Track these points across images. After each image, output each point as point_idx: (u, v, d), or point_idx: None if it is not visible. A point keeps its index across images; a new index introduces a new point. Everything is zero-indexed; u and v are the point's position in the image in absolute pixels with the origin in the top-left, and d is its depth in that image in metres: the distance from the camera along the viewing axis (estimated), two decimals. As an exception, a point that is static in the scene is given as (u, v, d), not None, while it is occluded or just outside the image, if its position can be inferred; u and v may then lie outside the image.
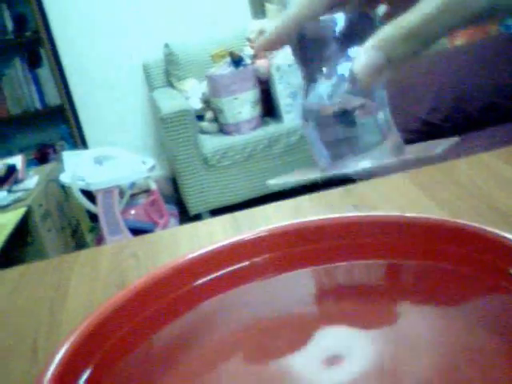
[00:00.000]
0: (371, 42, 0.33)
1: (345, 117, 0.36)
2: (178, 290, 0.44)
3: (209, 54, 3.40)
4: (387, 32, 0.33)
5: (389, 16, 0.40)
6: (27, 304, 0.65)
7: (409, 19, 0.32)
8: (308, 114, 0.37)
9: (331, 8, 0.37)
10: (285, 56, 3.05)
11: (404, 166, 0.39)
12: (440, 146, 0.37)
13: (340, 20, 0.35)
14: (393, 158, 0.37)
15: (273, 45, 0.38)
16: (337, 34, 0.35)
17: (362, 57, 0.33)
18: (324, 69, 0.36)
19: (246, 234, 0.48)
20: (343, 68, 0.35)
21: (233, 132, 3.14)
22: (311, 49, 0.37)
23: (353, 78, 0.33)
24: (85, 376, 0.37)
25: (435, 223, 0.44)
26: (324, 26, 0.36)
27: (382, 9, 0.40)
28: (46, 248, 2.34)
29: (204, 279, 0.45)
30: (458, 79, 2.38)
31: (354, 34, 0.35)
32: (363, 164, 0.37)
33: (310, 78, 0.37)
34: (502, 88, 2.33)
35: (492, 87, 2.34)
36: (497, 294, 0.41)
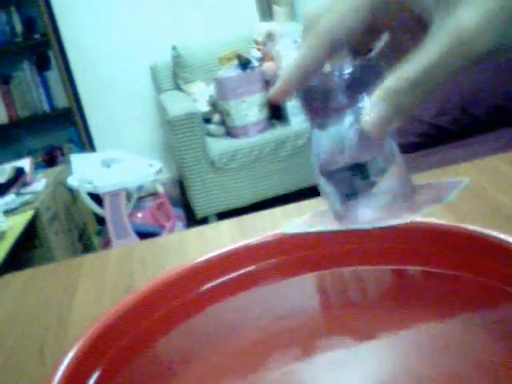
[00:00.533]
0: (376, 95, 0.33)
1: (358, 170, 0.36)
2: (185, 295, 0.45)
3: (216, 57, 3.40)
4: (391, 84, 0.32)
5: (389, 46, 0.40)
6: (35, 307, 0.66)
7: (412, 69, 0.32)
8: (321, 167, 0.38)
9: (332, 54, 0.37)
10: (293, 58, 3.05)
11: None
12: (452, 189, 0.37)
13: (345, 72, 0.36)
14: (406, 205, 0.37)
15: (282, 95, 0.37)
16: (342, 85, 0.35)
17: (369, 112, 0.33)
18: (332, 120, 0.36)
19: (252, 239, 0.48)
20: (351, 120, 0.35)
21: (240, 135, 3.15)
22: (318, 99, 0.37)
23: (363, 133, 0.33)
24: (93, 379, 0.37)
25: (441, 228, 0.45)
26: (329, 76, 0.36)
27: (380, 43, 0.40)
28: (53, 251, 2.34)
29: (211, 284, 0.46)
30: (465, 83, 2.37)
31: (360, 83, 0.35)
32: (380, 219, 0.36)
33: (318, 127, 0.37)
34: (510, 91, 2.32)
35: (500, 90, 2.33)
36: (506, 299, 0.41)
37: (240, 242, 0.48)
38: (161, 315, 0.43)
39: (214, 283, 0.46)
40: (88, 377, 0.37)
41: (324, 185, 0.38)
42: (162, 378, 0.39)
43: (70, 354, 0.37)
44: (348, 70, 0.36)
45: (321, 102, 0.37)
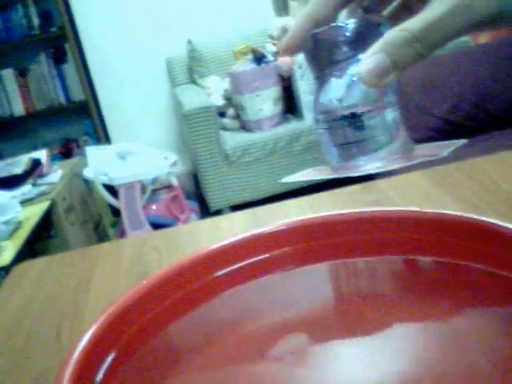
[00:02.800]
0: (377, 45, 0.34)
1: (353, 120, 0.37)
2: (198, 281, 0.45)
3: (231, 51, 3.41)
4: (393, 36, 0.33)
5: (400, 9, 0.41)
6: (51, 294, 0.67)
7: (414, 23, 0.33)
8: (319, 116, 0.38)
9: (344, 6, 0.38)
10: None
11: (412, 167, 0.39)
12: (447, 148, 0.38)
13: (351, 25, 0.36)
14: (402, 159, 0.38)
15: (294, 46, 0.39)
16: (348, 38, 0.36)
17: (367, 60, 0.34)
18: (335, 71, 0.37)
19: (266, 227, 0.49)
20: (353, 71, 0.36)
21: (254, 129, 3.15)
22: (323, 51, 0.38)
23: (361, 83, 0.34)
24: (108, 361, 0.38)
25: (456, 220, 0.45)
26: (336, 30, 0.37)
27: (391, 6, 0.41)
28: (68, 241, 2.37)
29: (224, 270, 0.47)
30: (480, 78, 2.36)
31: (364, 39, 0.36)
32: (373, 167, 0.37)
33: (322, 80, 0.38)
34: (525, 87, 2.31)
35: (515, 86, 2.32)
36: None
37: (253, 231, 0.48)
38: (175, 300, 0.44)
39: (227, 270, 0.47)
40: (103, 359, 0.38)
41: (321, 135, 0.39)
42: (175, 362, 0.40)
43: (86, 337, 0.38)
44: (356, 25, 0.36)
45: (326, 53, 0.37)
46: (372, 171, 0.37)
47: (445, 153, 0.37)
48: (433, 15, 0.33)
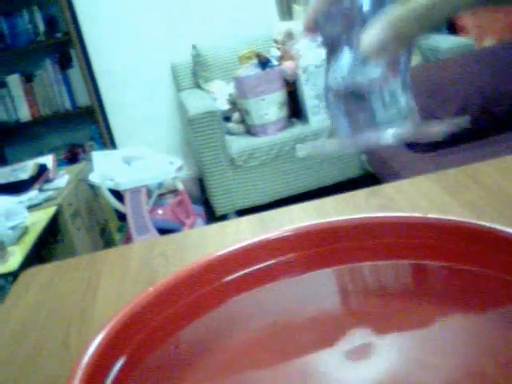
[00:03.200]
0: (380, 20, 0.34)
1: (358, 93, 0.37)
2: (205, 287, 0.46)
3: (236, 56, 3.41)
4: (396, 11, 0.34)
5: None
6: (58, 300, 0.67)
7: (418, 1, 0.33)
8: (328, 90, 0.39)
9: None
10: (312, 57, 3.05)
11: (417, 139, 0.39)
12: (449, 125, 0.38)
13: None
14: (410, 136, 0.38)
15: (313, 23, 0.39)
16: (362, 8, 0.36)
17: (370, 32, 0.34)
18: (347, 43, 0.37)
19: (272, 233, 0.49)
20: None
21: (259, 133, 3.15)
22: (336, 21, 0.38)
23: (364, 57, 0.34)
24: (117, 367, 0.38)
25: (460, 225, 0.45)
26: (352, 3, 0.37)
27: None
28: (75, 246, 2.37)
29: (231, 277, 0.47)
30: (485, 81, 2.36)
31: (376, 10, 0.36)
32: (383, 139, 0.37)
33: (333, 53, 0.38)
34: (531, 90, 2.30)
35: (521, 89, 2.31)
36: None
37: (260, 237, 0.49)
38: (183, 306, 0.44)
39: (233, 276, 0.47)
40: (112, 365, 0.38)
41: (331, 108, 0.39)
42: (183, 367, 0.40)
43: (95, 343, 0.38)
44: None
45: (339, 27, 0.38)
46: (378, 144, 0.38)
47: (445, 128, 0.38)
48: None
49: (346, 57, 0.37)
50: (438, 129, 0.39)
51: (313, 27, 0.39)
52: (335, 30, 0.38)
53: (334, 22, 0.38)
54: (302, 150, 0.41)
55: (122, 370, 0.39)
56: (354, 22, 0.37)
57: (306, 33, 0.40)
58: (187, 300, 0.44)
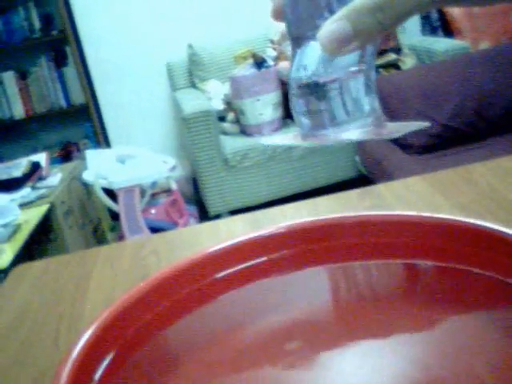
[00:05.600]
0: (341, 12, 0.33)
1: (317, 89, 0.36)
2: (197, 283, 0.45)
3: (232, 56, 3.41)
4: (356, 3, 0.33)
5: None
6: (49, 296, 0.67)
7: None
8: (291, 83, 0.38)
9: None
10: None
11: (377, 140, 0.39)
12: (411, 127, 0.38)
13: None
14: (370, 133, 0.37)
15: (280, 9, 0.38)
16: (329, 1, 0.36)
17: (328, 25, 0.33)
18: (311, 35, 0.36)
19: (265, 230, 0.49)
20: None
21: (254, 133, 3.15)
22: (302, 12, 0.37)
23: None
24: (106, 361, 0.38)
25: (452, 223, 0.45)
26: None
27: None
28: (67, 245, 2.36)
29: (223, 273, 0.47)
30: (480, 84, 2.36)
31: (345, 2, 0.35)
32: (340, 138, 0.37)
33: (298, 46, 0.38)
34: (525, 94, 2.31)
35: (515, 93, 2.32)
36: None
37: (252, 233, 0.48)
38: (173, 302, 0.44)
39: (225, 272, 0.47)
40: (101, 359, 0.38)
41: (292, 102, 0.38)
42: (173, 364, 0.40)
43: (85, 337, 0.38)
44: None
45: (305, 15, 0.37)
46: (338, 141, 0.37)
47: (408, 130, 0.37)
48: None
49: (309, 50, 0.37)
50: (398, 130, 0.38)
51: (278, 15, 0.39)
52: (300, 21, 0.37)
53: (298, 11, 0.37)
54: (268, 141, 0.41)
55: (110, 364, 0.38)
56: (318, 12, 0.36)
57: (272, 17, 0.39)
58: (178, 296, 0.44)
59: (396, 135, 0.37)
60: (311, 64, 0.36)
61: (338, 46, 0.33)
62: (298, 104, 0.38)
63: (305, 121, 0.38)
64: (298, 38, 0.38)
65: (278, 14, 0.39)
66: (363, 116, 0.37)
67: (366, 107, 0.37)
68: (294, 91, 0.38)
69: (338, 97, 0.36)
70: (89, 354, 0.36)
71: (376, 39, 0.35)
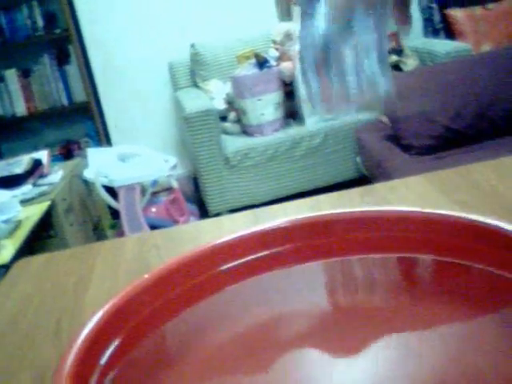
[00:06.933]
0: None
1: (327, 57, 0.36)
2: (200, 276, 0.46)
3: (234, 55, 3.41)
4: None
5: None
6: (51, 290, 0.68)
7: None
8: (302, 51, 0.38)
9: None
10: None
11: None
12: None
13: None
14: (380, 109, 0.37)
15: None
16: None
17: None
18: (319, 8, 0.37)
19: (267, 224, 0.49)
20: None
21: (255, 133, 3.16)
22: None
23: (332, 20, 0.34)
24: (109, 352, 0.38)
25: (450, 219, 0.45)
26: None
27: None
28: (67, 242, 2.37)
29: (225, 266, 0.47)
30: (482, 86, 2.37)
31: None
32: (352, 111, 0.37)
33: (307, 18, 0.38)
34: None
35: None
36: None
37: (254, 228, 0.49)
38: (176, 294, 0.44)
39: (227, 266, 0.47)
40: (104, 349, 0.39)
41: (304, 72, 0.38)
42: (177, 353, 0.41)
43: (88, 326, 0.38)
44: None
45: None
46: (349, 111, 0.37)
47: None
48: None
49: (319, 19, 0.37)
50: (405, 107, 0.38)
51: None
52: None
53: None
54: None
55: (113, 355, 0.39)
56: None
57: None
58: (181, 288, 0.45)
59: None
60: (326, 30, 0.36)
61: (346, 8, 0.34)
62: (311, 73, 0.38)
63: (316, 92, 0.38)
64: (308, 11, 0.38)
65: None
66: (375, 89, 0.37)
67: (379, 81, 0.37)
68: (306, 59, 0.38)
69: (353, 68, 0.37)
70: (92, 345, 0.37)
71: (383, 5, 0.35)
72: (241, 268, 0.47)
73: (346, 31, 0.36)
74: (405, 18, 0.39)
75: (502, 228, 0.41)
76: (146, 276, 0.43)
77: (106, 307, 0.39)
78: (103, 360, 0.37)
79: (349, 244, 0.48)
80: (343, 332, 0.41)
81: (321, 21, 0.37)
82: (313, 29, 0.37)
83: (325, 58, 0.37)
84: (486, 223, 0.43)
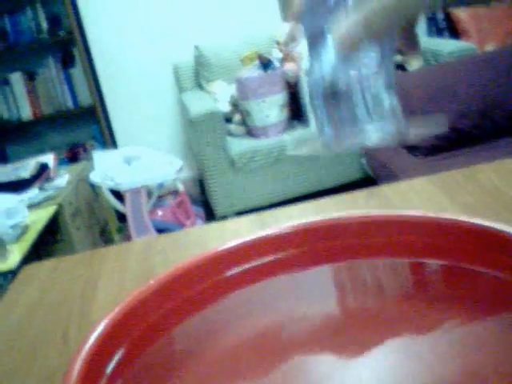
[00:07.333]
0: (354, 15, 0.35)
1: (337, 95, 0.37)
2: (205, 282, 0.46)
3: (238, 57, 3.42)
4: (369, 6, 0.34)
5: None
6: (59, 295, 0.68)
7: None
8: (311, 88, 0.39)
9: None
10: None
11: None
12: (430, 124, 0.38)
13: None
14: (392, 139, 0.38)
15: (298, 8, 0.39)
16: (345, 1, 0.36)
17: (340, 25, 0.35)
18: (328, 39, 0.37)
19: (272, 229, 0.49)
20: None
21: (260, 135, 3.16)
22: (320, 14, 0.38)
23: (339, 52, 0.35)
24: (116, 358, 0.39)
25: (458, 223, 0.45)
26: None
27: None
28: (74, 246, 2.38)
29: (230, 272, 0.47)
30: (487, 86, 2.36)
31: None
32: (366, 142, 0.37)
33: (315, 46, 0.38)
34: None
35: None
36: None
37: (260, 233, 0.49)
38: (182, 300, 0.44)
39: (233, 272, 0.47)
40: (111, 356, 0.39)
41: (314, 108, 0.39)
42: (182, 360, 0.41)
43: (95, 334, 0.38)
44: None
45: (322, 21, 0.37)
46: (361, 146, 0.38)
47: (426, 130, 0.38)
48: None
49: (328, 53, 0.37)
50: (420, 130, 0.39)
51: (297, 17, 0.40)
52: (318, 24, 0.38)
53: (317, 15, 0.38)
54: (294, 150, 0.41)
55: (120, 361, 0.39)
56: (336, 15, 0.36)
57: (289, 19, 0.40)
58: (187, 294, 0.45)
59: (415, 139, 0.38)
60: (333, 66, 0.37)
61: (350, 45, 0.35)
62: (321, 108, 0.38)
63: (327, 126, 0.38)
64: (315, 40, 0.38)
65: (297, 16, 0.40)
66: (385, 117, 0.38)
67: (388, 108, 0.38)
68: (315, 95, 0.38)
69: (361, 98, 0.37)
70: (99, 351, 0.37)
71: (390, 36, 0.35)
72: (246, 274, 0.48)
73: (354, 63, 0.36)
74: (413, 44, 0.40)
75: (508, 233, 0.41)
76: (152, 282, 0.43)
77: (112, 314, 0.39)
78: (110, 367, 0.37)
79: (354, 249, 0.48)
80: (350, 337, 0.41)
81: (329, 54, 0.37)
82: (321, 64, 0.38)
83: (334, 93, 0.37)
84: (496, 229, 0.43)
